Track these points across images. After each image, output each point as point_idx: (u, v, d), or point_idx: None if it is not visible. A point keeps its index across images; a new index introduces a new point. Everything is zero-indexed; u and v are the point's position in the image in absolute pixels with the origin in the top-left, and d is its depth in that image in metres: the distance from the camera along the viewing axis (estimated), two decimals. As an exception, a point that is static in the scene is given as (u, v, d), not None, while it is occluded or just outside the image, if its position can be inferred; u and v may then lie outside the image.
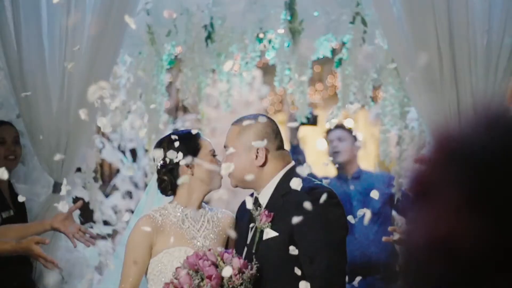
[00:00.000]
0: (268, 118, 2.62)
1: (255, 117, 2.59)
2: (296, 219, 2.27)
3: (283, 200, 2.45)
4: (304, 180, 2.48)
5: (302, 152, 4.59)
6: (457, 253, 0.70)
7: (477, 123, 0.76)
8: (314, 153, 7.09)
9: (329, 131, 4.57)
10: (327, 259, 2.33)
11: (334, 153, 4.47)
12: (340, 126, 4.49)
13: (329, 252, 2.34)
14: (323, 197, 2.35)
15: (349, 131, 4.53)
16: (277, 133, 2.57)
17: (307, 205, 2.32)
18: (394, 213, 4.62)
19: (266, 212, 2.44)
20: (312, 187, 2.43)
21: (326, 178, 4.24)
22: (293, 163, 2.57)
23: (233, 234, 2.51)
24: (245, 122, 2.53)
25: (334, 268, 2.34)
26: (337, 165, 4.37)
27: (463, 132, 0.76)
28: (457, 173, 0.73)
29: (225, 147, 2.58)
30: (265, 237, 2.43)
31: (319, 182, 2.50)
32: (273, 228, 2.42)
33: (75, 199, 3.77)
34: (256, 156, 2.50)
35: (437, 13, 3.13)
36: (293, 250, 2.34)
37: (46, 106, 3.38)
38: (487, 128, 0.75)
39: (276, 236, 2.41)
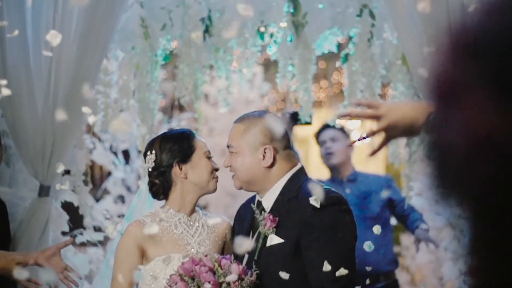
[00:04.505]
0: (275, 115, 2.58)
1: (260, 114, 2.55)
2: (303, 225, 2.25)
3: (289, 205, 2.41)
4: (312, 184, 2.45)
5: (297, 154, 4.54)
6: (500, 149, 0.69)
7: (491, 9, 0.73)
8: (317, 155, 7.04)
9: (320, 131, 4.51)
10: (335, 269, 2.29)
11: (327, 155, 4.41)
12: (332, 125, 4.42)
13: (338, 262, 2.30)
14: (333, 203, 2.31)
15: (343, 130, 4.46)
16: (284, 132, 2.53)
17: (316, 211, 2.28)
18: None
19: (271, 216, 2.41)
20: None
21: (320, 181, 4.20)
22: (300, 165, 2.54)
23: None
24: (251, 120, 2.49)
25: (342, 278, 2.30)
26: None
27: (478, 22, 0.74)
28: (483, 65, 0.71)
29: (228, 146, 2.53)
30: (268, 243, 2.40)
31: (328, 187, 2.45)
32: (277, 234, 2.39)
33: (64, 204, 3.73)
34: (264, 156, 2.46)
35: (450, 5, 3.09)
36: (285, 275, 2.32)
37: (30, 104, 3.34)
38: (504, 11, 0.72)
39: (281, 242, 2.37)
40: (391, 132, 1.65)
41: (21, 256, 2.70)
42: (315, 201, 2.30)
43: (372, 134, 1.67)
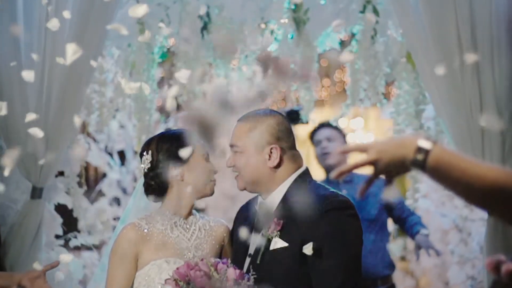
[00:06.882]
0: (280, 113, 2.55)
1: (265, 112, 2.51)
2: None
3: (294, 208, 2.38)
4: (318, 187, 2.43)
5: None
6: None
7: None
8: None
9: (315, 130, 4.48)
10: (341, 275, 2.27)
11: (322, 155, 4.38)
12: (327, 125, 4.39)
13: (344, 267, 2.28)
14: (339, 207, 2.29)
15: (338, 129, 4.43)
16: (290, 131, 2.50)
17: (321, 215, 2.26)
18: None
19: (275, 219, 2.38)
20: (327, 196, 2.36)
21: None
22: (305, 166, 2.51)
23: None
24: (256, 118, 2.46)
25: (348, 284, 2.29)
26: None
27: None
28: None
29: (231, 146, 2.50)
30: (272, 247, 2.38)
31: (334, 190, 2.43)
32: (282, 237, 2.36)
33: (57, 206, 3.71)
34: (270, 156, 2.43)
35: (457, 0, 3.07)
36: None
37: (22, 104, 3.32)
38: None
39: (286, 246, 2.35)
40: (388, 173, 1.69)
41: (3, 280, 2.68)
42: (306, 249, 2.29)
43: (371, 182, 1.70)
